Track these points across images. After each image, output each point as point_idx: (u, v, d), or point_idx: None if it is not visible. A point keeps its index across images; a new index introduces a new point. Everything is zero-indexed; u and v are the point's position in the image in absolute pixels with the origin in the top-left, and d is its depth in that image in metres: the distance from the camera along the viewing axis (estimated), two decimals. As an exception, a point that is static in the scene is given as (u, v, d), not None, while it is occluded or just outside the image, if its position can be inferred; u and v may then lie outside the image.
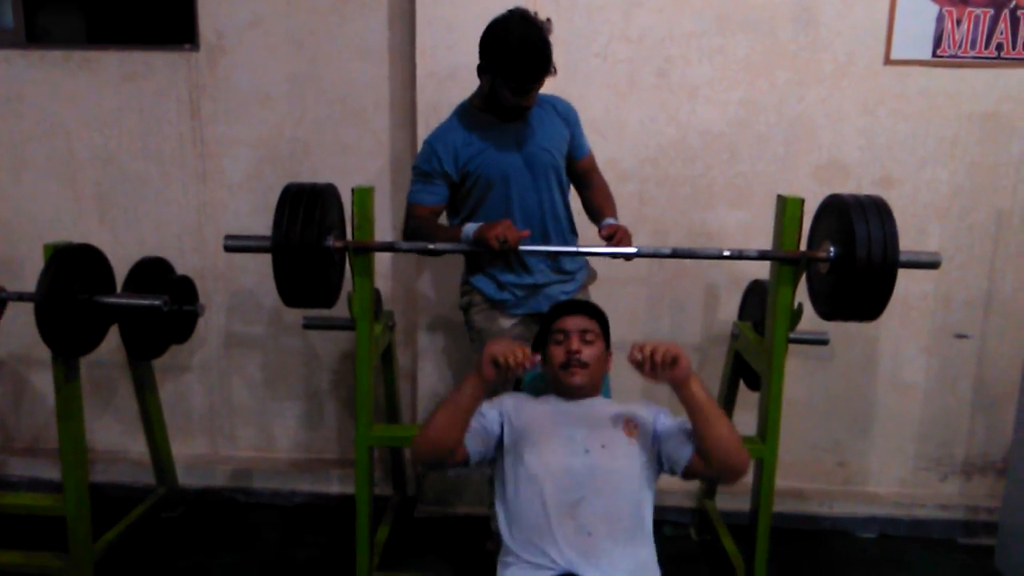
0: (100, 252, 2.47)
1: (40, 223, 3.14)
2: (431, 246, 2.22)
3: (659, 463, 1.95)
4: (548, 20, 2.21)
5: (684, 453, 1.89)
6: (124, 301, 2.46)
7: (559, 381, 2.02)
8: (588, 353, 2.00)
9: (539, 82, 2.21)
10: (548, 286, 2.47)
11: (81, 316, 2.34)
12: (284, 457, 3.34)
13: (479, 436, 1.92)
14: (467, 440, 1.88)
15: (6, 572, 2.53)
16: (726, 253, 2.15)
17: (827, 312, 2.14)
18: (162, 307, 2.42)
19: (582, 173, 2.53)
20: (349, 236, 2.20)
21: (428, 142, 2.39)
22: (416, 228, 2.35)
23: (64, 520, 2.44)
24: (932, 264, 2.08)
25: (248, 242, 2.14)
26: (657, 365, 1.77)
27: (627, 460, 1.88)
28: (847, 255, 1.97)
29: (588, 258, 2.57)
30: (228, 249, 2.15)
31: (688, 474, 1.92)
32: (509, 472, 1.89)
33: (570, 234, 2.51)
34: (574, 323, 2.04)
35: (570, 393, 2.01)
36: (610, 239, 2.28)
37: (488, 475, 2.03)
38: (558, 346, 2.03)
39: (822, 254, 2.06)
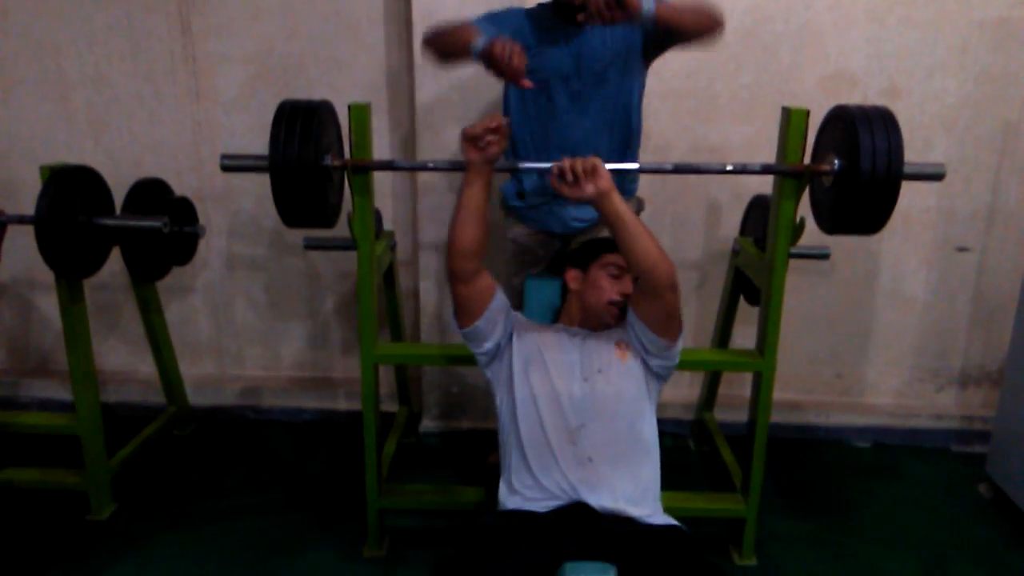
0: (97, 173, 2.45)
1: (33, 145, 3.11)
2: (430, 163, 2.18)
3: (649, 367, 1.95)
4: None
5: (630, 312, 1.92)
6: (124, 223, 2.45)
7: (597, 311, 2.01)
8: (627, 304, 2.00)
9: None
10: (563, 205, 2.41)
11: (82, 238, 2.34)
12: (291, 375, 3.40)
13: (500, 308, 1.93)
14: (496, 294, 1.91)
15: (25, 489, 2.61)
16: (729, 168, 2.11)
17: (830, 226, 2.13)
18: (162, 228, 2.42)
19: (664, 23, 2.14)
20: (347, 154, 2.17)
21: (511, 10, 2.32)
22: (438, 28, 2.21)
23: (78, 439, 2.50)
24: (937, 176, 2.05)
25: (245, 162, 2.12)
26: (579, 176, 1.77)
27: (624, 381, 1.90)
28: (851, 168, 1.94)
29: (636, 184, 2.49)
30: (225, 169, 2.12)
31: (646, 319, 1.88)
32: (515, 391, 1.90)
33: (627, 150, 2.38)
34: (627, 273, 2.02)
35: (591, 325, 2.03)
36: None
37: (490, 389, 2.05)
38: (614, 280, 2.02)
39: (826, 167, 2.04)
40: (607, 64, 2.27)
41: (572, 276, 2.12)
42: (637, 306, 1.91)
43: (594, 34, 2.25)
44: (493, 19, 2.28)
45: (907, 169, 1.93)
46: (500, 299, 1.94)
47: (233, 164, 2.11)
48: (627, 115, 2.35)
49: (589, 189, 1.78)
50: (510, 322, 1.98)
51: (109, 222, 2.41)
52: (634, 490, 1.79)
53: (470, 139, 1.82)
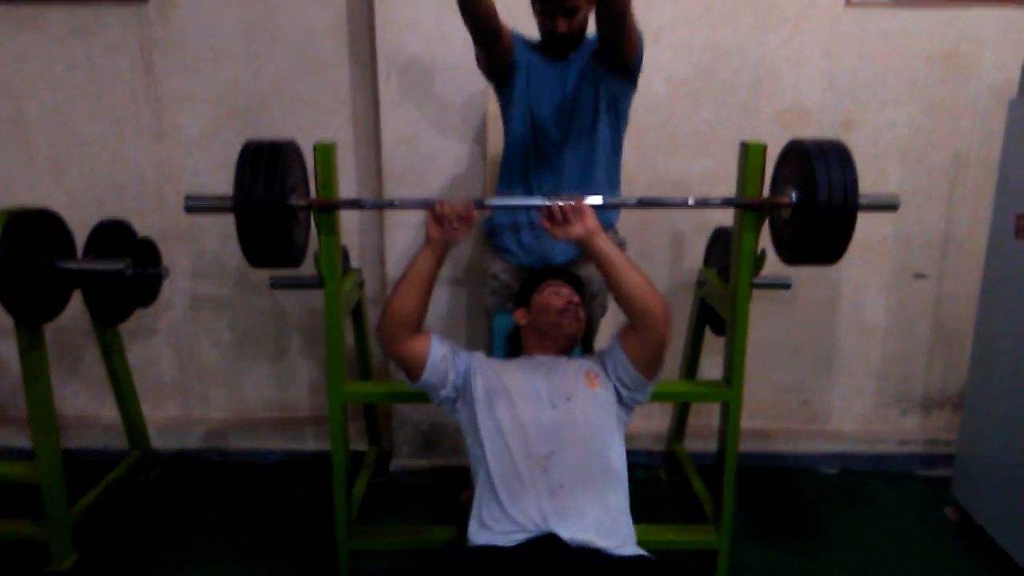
0: (57, 216, 2.42)
1: (-7, 187, 3.06)
2: (396, 202, 2.20)
3: (621, 398, 1.99)
4: None
5: (616, 347, 1.97)
6: (85, 266, 2.42)
7: (554, 327, 2.06)
8: (583, 311, 2.11)
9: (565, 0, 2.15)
10: (541, 239, 2.43)
11: (41, 283, 2.30)
12: (258, 416, 3.34)
13: (443, 357, 1.96)
14: (432, 347, 1.94)
15: (-18, 540, 2.53)
16: (691, 202, 2.17)
17: (790, 257, 2.17)
18: (124, 271, 2.39)
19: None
20: (313, 194, 2.17)
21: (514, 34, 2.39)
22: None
23: (38, 488, 2.43)
24: (891, 206, 2.11)
25: (209, 202, 2.11)
26: (568, 216, 1.86)
27: (594, 409, 1.91)
28: (808, 200, 1.99)
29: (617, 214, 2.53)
30: (189, 210, 2.11)
31: (633, 356, 1.93)
32: (479, 427, 1.90)
33: (605, 186, 2.43)
34: (568, 287, 2.14)
35: (553, 347, 2.07)
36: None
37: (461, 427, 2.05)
38: (556, 296, 2.09)
39: (784, 200, 2.09)
40: (584, 86, 2.32)
41: (520, 315, 2.18)
42: (626, 340, 1.96)
43: (577, 63, 2.31)
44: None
45: (862, 200, 1.99)
46: (438, 348, 1.97)
47: (197, 205, 2.10)
48: (610, 148, 2.40)
49: (577, 229, 1.87)
50: (463, 363, 2.00)
51: (70, 265, 2.37)
52: (604, 517, 1.78)
53: (437, 217, 1.88)
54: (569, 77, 2.34)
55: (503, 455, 1.83)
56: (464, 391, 1.98)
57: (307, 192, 2.18)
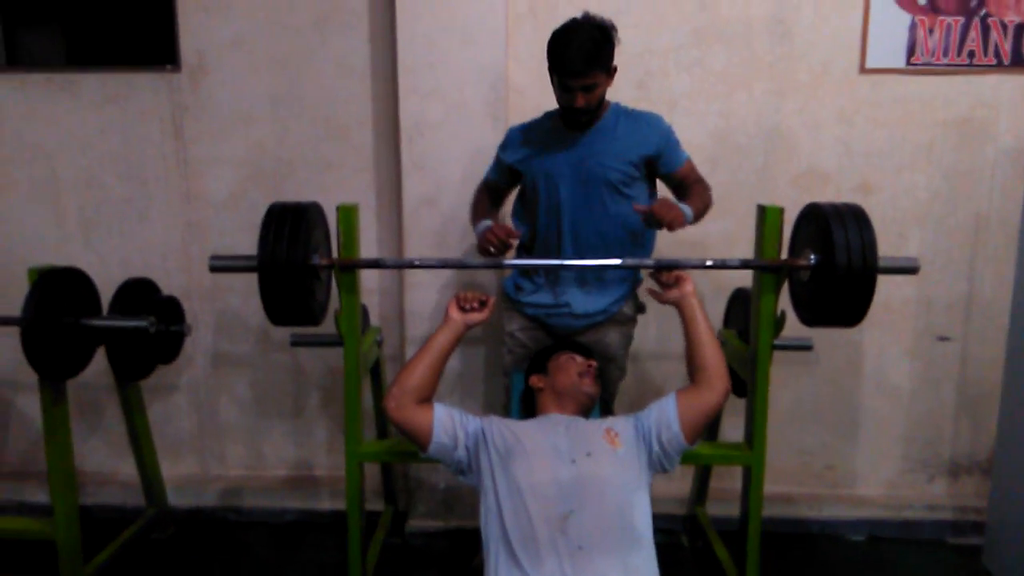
0: (85, 274, 2.47)
1: (24, 246, 3.14)
2: (416, 261, 2.22)
3: (650, 459, 1.97)
4: (612, 26, 2.23)
5: (671, 401, 1.99)
6: (110, 323, 2.46)
7: (575, 389, 2.09)
8: (595, 380, 2.15)
9: (585, 76, 2.18)
10: (564, 302, 2.47)
11: (67, 339, 2.34)
12: (274, 475, 3.33)
13: (450, 418, 1.97)
14: (436, 412, 1.96)
15: (-4, 599, 2.52)
16: (709, 263, 2.18)
17: (809, 319, 2.17)
18: (148, 328, 2.42)
19: (678, 183, 2.46)
20: (335, 254, 2.21)
21: (509, 130, 2.54)
22: (474, 199, 2.58)
23: (54, 544, 2.42)
24: (910, 270, 2.11)
25: (234, 262, 2.15)
26: (677, 278, 2.06)
27: (613, 467, 1.88)
28: (827, 262, 2.00)
29: (637, 291, 2.58)
30: (214, 269, 2.15)
31: (684, 414, 1.96)
32: (496, 488, 1.88)
33: (634, 245, 2.45)
34: (582, 355, 2.19)
35: (570, 408, 2.08)
36: (649, 219, 2.26)
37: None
38: (570, 362, 2.14)
39: (803, 262, 2.09)
40: (610, 162, 2.36)
41: (535, 380, 2.20)
42: (683, 397, 1.99)
43: (602, 135, 2.37)
44: (499, 149, 2.52)
45: (882, 263, 1.99)
46: (443, 412, 1.98)
47: (222, 265, 2.14)
48: (627, 202, 2.42)
49: (685, 288, 2.05)
50: (474, 425, 1.99)
51: (95, 323, 2.41)
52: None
53: (458, 300, 2.02)
54: (583, 154, 2.36)
55: (521, 515, 1.80)
56: (476, 452, 1.97)
57: (329, 252, 2.22)
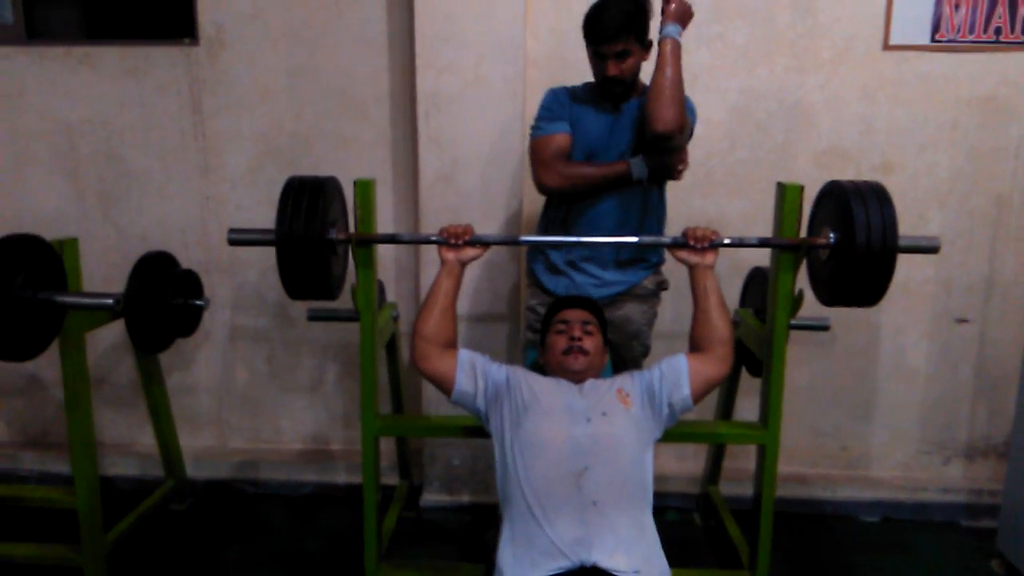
0: (48, 244, 2.30)
1: (44, 219, 3.16)
2: (432, 237, 2.19)
3: (658, 418, 1.99)
4: None
5: (682, 358, 2.02)
6: (74, 300, 2.29)
7: (561, 367, 2.07)
8: (589, 342, 2.08)
9: (616, 41, 2.20)
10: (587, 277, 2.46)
11: (25, 315, 2.17)
12: (291, 448, 3.37)
13: (472, 364, 2.02)
14: (460, 357, 2.01)
15: (21, 564, 2.56)
16: (727, 241, 2.14)
17: (828, 298, 2.15)
18: (114, 307, 2.28)
19: None
20: (352, 228, 2.21)
21: (550, 91, 2.44)
22: (568, 172, 2.34)
23: (75, 513, 2.47)
24: (931, 249, 2.09)
25: (252, 235, 2.15)
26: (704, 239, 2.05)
27: (627, 426, 1.92)
28: (847, 241, 1.98)
29: (661, 265, 2.55)
30: (232, 243, 2.16)
31: (695, 375, 1.99)
32: (512, 442, 1.90)
33: (645, 223, 2.43)
34: (575, 315, 2.14)
35: (571, 378, 2.06)
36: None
37: (493, 463, 2.04)
38: (560, 335, 2.11)
39: (822, 240, 2.07)
40: (634, 144, 2.34)
41: (539, 353, 2.23)
42: (695, 359, 2.02)
43: (629, 114, 2.35)
44: (552, 114, 2.39)
45: (902, 242, 1.97)
46: (465, 356, 2.03)
47: (240, 238, 2.14)
48: (649, 191, 2.41)
49: (709, 258, 2.05)
50: (499, 373, 2.03)
51: (59, 298, 2.24)
52: (639, 537, 1.77)
53: (448, 238, 2.04)
54: (618, 130, 2.35)
55: (537, 472, 1.83)
56: (495, 402, 2.00)
57: (346, 227, 2.22)
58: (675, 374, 2.00)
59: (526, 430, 1.89)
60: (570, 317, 2.13)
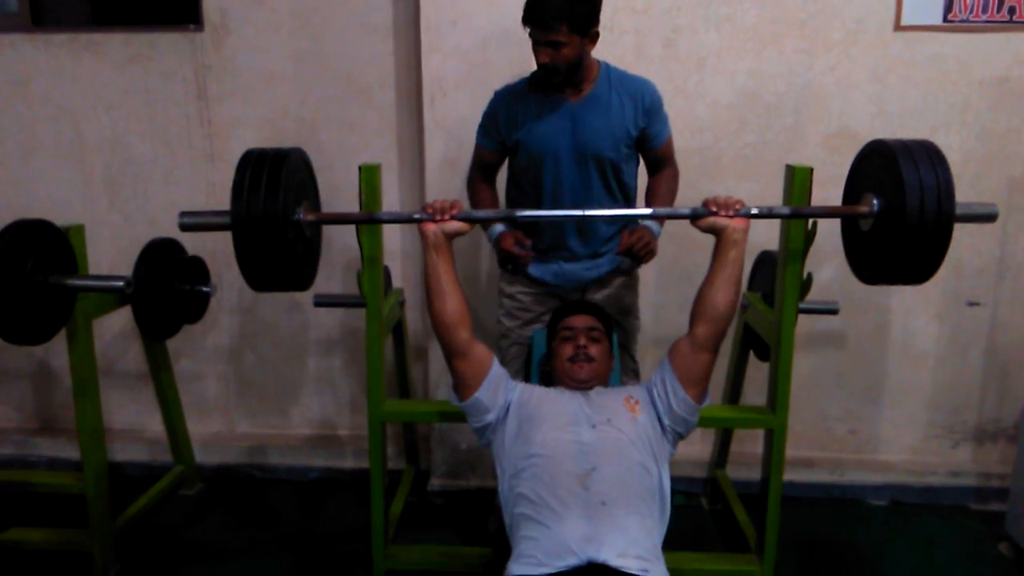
0: (58, 230, 2.30)
1: (50, 206, 3.16)
2: (416, 216, 2.09)
3: (664, 427, 1.96)
4: None
5: (665, 364, 1.98)
6: (83, 283, 2.29)
7: (567, 375, 2.06)
8: (595, 349, 2.08)
9: (549, 31, 2.07)
10: (565, 259, 2.45)
11: (34, 298, 2.19)
12: (299, 433, 3.38)
13: (499, 378, 1.98)
14: (493, 365, 1.97)
15: (31, 549, 2.58)
16: (755, 211, 1.93)
17: (872, 274, 1.91)
18: (124, 289, 2.29)
19: (654, 161, 2.44)
20: (323, 208, 2.10)
21: (495, 94, 2.41)
22: (472, 189, 2.48)
23: (84, 498, 2.48)
24: (989, 216, 1.84)
25: (205, 218, 1.88)
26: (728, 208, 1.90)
27: (634, 430, 1.90)
28: (895, 207, 1.73)
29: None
30: (184, 228, 1.88)
31: (681, 372, 1.94)
32: (519, 450, 1.89)
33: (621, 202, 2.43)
34: (581, 321, 2.13)
35: (576, 387, 2.06)
36: (627, 253, 2.27)
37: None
38: (566, 342, 2.10)
39: (864, 208, 1.83)
40: (597, 140, 2.31)
41: (545, 360, 2.23)
42: (675, 356, 1.97)
43: (591, 108, 2.30)
44: (486, 129, 2.41)
45: (958, 210, 1.74)
46: (497, 368, 1.99)
47: (193, 222, 1.89)
48: (623, 178, 2.40)
49: (741, 222, 1.90)
50: (509, 392, 2.00)
51: (68, 282, 2.25)
52: (646, 539, 1.75)
53: (432, 214, 1.91)
54: (582, 117, 2.29)
55: (543, 475, 1.81)
56: (503, 421, 1.98)
57: (317, 206, 2.03)
58: (666, 382, 1.97)
59: (534, 441, 1.87)
60: (576, 324, 2.12)
